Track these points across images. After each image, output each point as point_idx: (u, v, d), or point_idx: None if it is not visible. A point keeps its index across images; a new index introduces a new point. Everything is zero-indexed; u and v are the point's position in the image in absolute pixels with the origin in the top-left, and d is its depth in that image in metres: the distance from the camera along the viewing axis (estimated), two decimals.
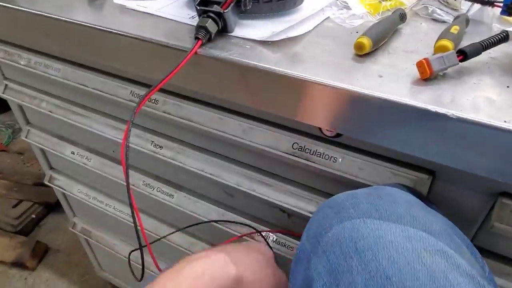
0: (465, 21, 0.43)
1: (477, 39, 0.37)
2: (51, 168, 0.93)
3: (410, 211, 0.31)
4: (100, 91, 0.59)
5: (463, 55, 0.35)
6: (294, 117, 0.40)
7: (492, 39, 0.37)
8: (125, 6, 0.50)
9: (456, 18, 0.44)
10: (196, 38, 0.40)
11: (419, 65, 0.35)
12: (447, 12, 0.46)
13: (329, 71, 0.37)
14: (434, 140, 0.33)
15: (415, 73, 0.36)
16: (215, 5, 0.42)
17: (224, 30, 0.43)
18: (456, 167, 0.33)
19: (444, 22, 0.46)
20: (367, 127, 0.36)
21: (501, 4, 0.44)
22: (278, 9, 0.46)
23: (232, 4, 0.42)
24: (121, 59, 0.49)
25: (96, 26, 0.47)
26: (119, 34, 0.45)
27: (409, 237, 0.29)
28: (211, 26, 0.41)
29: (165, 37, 0.43)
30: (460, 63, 0.35)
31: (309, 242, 0.33)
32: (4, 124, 1.95)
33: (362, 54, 0.39)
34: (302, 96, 0.37)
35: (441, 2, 0.48)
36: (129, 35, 0.45)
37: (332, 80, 0.35)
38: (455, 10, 0.47)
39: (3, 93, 0.77)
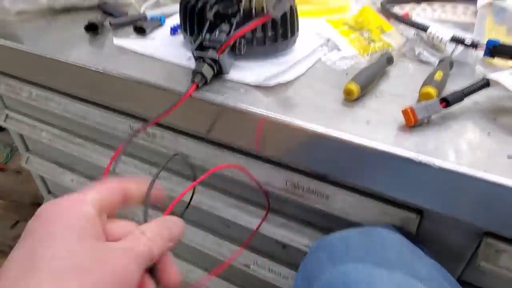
0: (449, 64, 0.45)
1: (461, 81, 0.39)
2: (49, 192, 0.94)
3: (400, 256, 0.33)
4: (100, 124, 0.61)
5: (446, 102, 0.37)
6: (284, 158, 0.41)
7: (473, 87, 0.39)
8: (124, 47, 0.52)
9: (441, 61, 0.46)
10: (192, 81, 0.42)
11: (405, 112, 0.37)
12: (432, 54, 0.49)
13: (320, 116, 0.38)
14: (419, 186, 0.35)
15: (401, 119, 0.37)
16: (211, 49, 0.44)
17: (220, 73, 0.45)
18: (440, 211, 0.35)
19: (429, 63, 0.48)
20: (355, 171, 0.37)
21: (484, 47, 0.46)
22: (272, 52, 0.48)
23: (227, 49, 0.44)
24: (121, 98, 0.51)
25: (96, 69, 0.49)
26: (119, 77, 0.47)
27: (399, 284, 0.30)
28: (207, 71, 0.43)
29: (164, 79, 0.45)
30: (443, 109, 0.37)
31: (303, 283, 0.35)
32: (3, 142, 1.96)
33: (351, 99, 0.41)
34: (293, 139, 0.39)
35: (427, 44, 0.51)
36: (128, 77, 0.47)
37: (322, 127, 0.37)
38: (440, 52, 0.49)
39: (4, 122, 0.78)
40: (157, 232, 0.29)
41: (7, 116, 0.78)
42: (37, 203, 1.54)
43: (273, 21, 0.46)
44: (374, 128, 0.37)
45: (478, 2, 0.61)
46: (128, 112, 0.58)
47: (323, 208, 0.45)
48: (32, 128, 0.75)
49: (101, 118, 0.60)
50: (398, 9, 0.64)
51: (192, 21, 0.48)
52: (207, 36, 0.45)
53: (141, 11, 0.63)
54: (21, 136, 0.82)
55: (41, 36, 0.58)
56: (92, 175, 0.77)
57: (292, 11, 0.47)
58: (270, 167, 0.48)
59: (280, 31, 0.47)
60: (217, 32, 0.45)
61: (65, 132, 0.71)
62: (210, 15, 0.46)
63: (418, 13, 0.62)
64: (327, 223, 0.50)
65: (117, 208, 0.30)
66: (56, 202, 0.27)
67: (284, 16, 0.46)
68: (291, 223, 0.53)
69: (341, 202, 0.45)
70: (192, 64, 0.47)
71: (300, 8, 0.56)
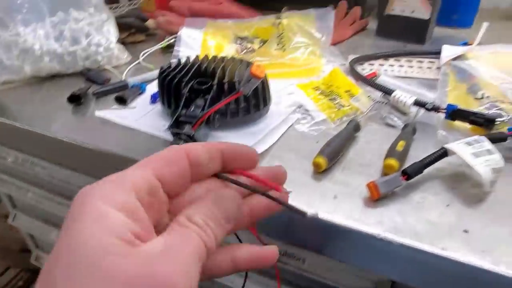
0: (412, 131, 0.47)
1: (424, 144, 0.43)
2: (37, 247, 0.94)
3: None
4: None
5: (407, 175, 0.40)
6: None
7: (432, 157, 0.41)
8: (105, 118, 0.54)
9: (404, 127, 0.48)
10: None
11: (368, 187, 0.39)
12: (398, 118, 0.51)
13: (292, 191, 0.40)
14: (384, 259, 0.36)
15: (366, 192, 0.40)
16: (187, 125, 0.46)
17: None
18: (406, 283, 0.37)
19: (396, 127, 0.51)
20: (325, 244, 0.39)
21: (445, 110, 0.49)
22: (245, 123, 0.51)
23: (202, 124, 0.47)
24: (102, 169, 0.53)
25: (77, 143, 0.51)
26: (99, 151, 0.49)
27: None
28: None
29: (141, 153, 0.47)
30: (405, 181, 0.40)
31: None
32: None
33: (320, 171, 0.43)
34: None
35: (392, 107, 0.54)
36: (108, 152, 0.49)
37: (293, 202, 0.39)
38: (405, 115, 0.52)
39: None
40: (209, 214, 0.22)
41: None
42: (26, 249, 1.52)
43: (245, 95, 0.49)
44: (340, 203, 0.39)
45: (440, 59, 0.65)
46: None
47: (301, 272, 0.47)
48: (19, 188, 0.77)
49: (85, 183, 0.62)
50: (367, 66, 0.68)
51: (169, 95, 0.51)
52: (183, 111, 0.48)
53: (123, 78, 0.66)
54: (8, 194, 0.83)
55: (26, 106, 0.60)
56: None
57: (264, 85, 0.50)
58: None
59: (252, 103, 0.50)
60: (192, 107, 0.48)
61: (51, 193, 0.72)
62: (185, 90, 0.49)
63: (386, 69, 0.66)
64: (305, 284, 0.51)
65: (182, 182, 0.24)
66: (81, 213, 0.20)
67: (255, 90, 0.49)
68: (271, 281, 0.54)
69: (317, 265, 0.46)
70: (169, 135, 0.50)
71: (272, 72, 0.59)
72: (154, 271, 0.18)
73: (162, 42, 0.76)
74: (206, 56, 0.55)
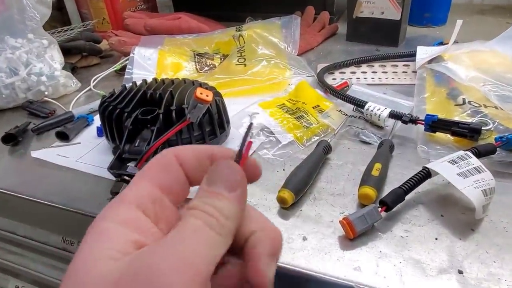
0: (389, 149, 0.42)
1: (403, 164, 0.38)
2: None
3: None
4: (31, 239, 0.55)
5: (386, 206, 0.34)
6: None
7: (413, 180, 0.35)
8: (43, 159, 0.48)
9: (380, 144, 0.43)
10: None
11: (342, 225, 0.33)
12: (373, 133, 0.46)
13: None
14: None
15: (340, 228, 0.34)
16: (131, 164, 0.40)
17: None
18: None
19: (370, 144, 0.45)
20: None
21: (423, 122, 0.44)
22: None
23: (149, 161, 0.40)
24: (44, 220, 0.46)
25: (9, 192, 0.44)
26: (36, 201, 0.42)
27: None
28: None
29: (83, 201, 0.41)
30: (385, 213, 0.34)
31: None
32: None
33: (286, 207, 0.37)
34: None
35: (366, 121, 0.48)
36: (44, 201, 0.42)
37: None
38: (381, 128, 0.47)
39: None
40: (224, 206, 0.18)
41: None
42: None
43: (199, 122, 0.43)
44: (310, 246, 0.33)
45: (416, 62, 0.60)
46: (59, 228, 0.52)
47: None
48: None
49: (32, 232, 0.55)
50: (338, 75, 0.62)
51: (111, 129, 0.44)
52: (126, 146, 0.41)
53: (71, 108, 0.59)
54: None
55: None
56: (40, 281, 0.70)
57: (219, 108, 0.44)
58: None
59: (207, 130, 0.44)
60: (137, 141, 0.42)
61: (0, 241, 0.65)
62: (128, 123, 0.42)
63: (359, 77, 0.61)
64: None
65: (181, 186, 0.21)
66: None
67: (209, 115, 0.43)
68: None
69: None
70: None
71: (233, 90, 0.53)
72: (141, 267, 0.16)
73: (115, 65, 0.70)
74: (155, 80, 0.48)
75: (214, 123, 0.44)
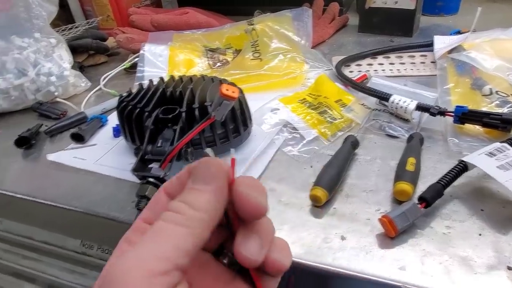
0: (419, 141, 0.41)
1: (434, 158, 0.37)
2: None
3: None
4: (49, 244, 0.54)
5: (425, 202, 0.33)
6: None
7: (451, 175, 0.34)
8: (59, 162, 0.46)
9: (410, 138, 0.42)
10: (138, 209, 0.36)
11: (383, 223, 0.32)
12: (399, 127, 0.45)
13: (289, 234, 0.33)
14: None
15: (379, 227, 0.32)
16: (154, 165, 0.39)
17: None
18: None
19: (397, 137, 0.44)
20: None
21: (453, 114, 0.43)
22: (225, 151, 0.43)
23: (173, 160, 0.39)
24: (62, 224, 0.45)
25: (27, 198, 0.42)
26: (54, 206, 0.41)
27: None
28: (152, 192, 0.37)
29: (104, 205, 0.39)
30: (424, 209, 0.33)
31: None
32: None
33: (320, 205, 0.36)
34: None
35: (391, 114, 0.47)
36: (64, 206, 0.40)
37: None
38: (406, 121, 0.46)
39: None
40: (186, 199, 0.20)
41: None
42: None
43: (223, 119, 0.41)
44: (350, 245, 0.32)
45: (434, 52, 0.58)
46: (73, 232, 0.51)
47: None
48: None
49: (49, 236, 0.53)
50: (354, 67, 0.61)
51: (131, 129, 0.43)
52: (149, 147, 0.40)
53: (82, 109, 0.58)
54: None
55: None
56: (54, 285, 0.69)
57: (242, 105, 0.43)
58: None
59: (230, 128, 0.42)
60: (159, 142, 0.40)
61: (14, 246, 0.63)
62: (149, 122, 0.41)
63: (376, 69, 0.59)
64: None
65: None
66: None
67: (232, 112, 0.42)
68: None
69: None
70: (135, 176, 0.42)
71: (250, 86, 0.52)
72: (108, 271, 0.17)
73: (125, 63, 0.68)
74: (172, 78, 0.47)
75: (238, 120, 0.43)
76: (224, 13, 0.87)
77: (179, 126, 0.40)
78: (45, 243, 0.54)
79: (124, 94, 0.46)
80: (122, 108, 0.43)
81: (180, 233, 0.18)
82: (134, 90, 0.46)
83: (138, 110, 0.42)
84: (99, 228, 0.42)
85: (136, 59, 0.68)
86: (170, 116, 0.41)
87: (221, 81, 0.45)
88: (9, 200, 0.45)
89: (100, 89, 0.64)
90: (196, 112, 0.40)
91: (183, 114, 0.40)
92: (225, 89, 0.36)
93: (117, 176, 0.43)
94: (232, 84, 0.46)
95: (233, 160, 0.22)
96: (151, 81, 0.47)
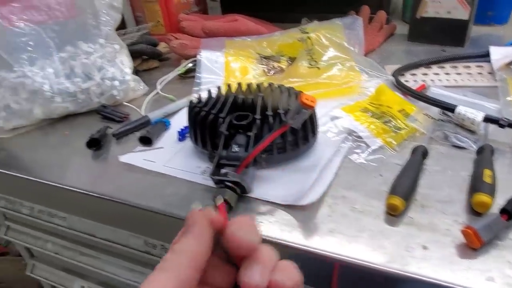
0: (491, 154, 0.41)
1: (507, 170, 0.37)
2: None
3: None
4: (111, 242, 0.56)
5: (508, 214, 0.33)
6: None
7: None
8: (130, 164, 0.48)
9: (480, 149, 0.42)
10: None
11: (466, 234, 0.32)
12: (466, 138, 0.45)
13: (369, 243, 0.34)
14: None
15: (460, 237, 0.33)
16: (230, 170, 0.40)
17: (243, 193, 0.41)
18: None
19: (465, 148, 0.44)
20: None
21: None
22: (293, 158, 0.44)
23: (250, 165, 0.40)
24: (132, 222, 0.47)
25: (102, 196, 0.44)
26: (128, 204, 0.43)
27: None
28: (232, 197, 0.38)
29: (179, 207, 0.41)
30: (506, 222, 0.33)
31: None
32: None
33: (396, 214, 0.36)
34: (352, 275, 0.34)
35: (456, 124, 0.47)
36: (138, 205, 0.42)
37: (375, 257, 0.32)
38: (471, 131, 0.46)
39: (5, 235, 0.73)
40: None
41: (8, 227, 0.73)
42: None
43: (292, 127, 0.42)
44: (434, 255, 0.32)
45: (492, 63, 0.58)
46: (141, 230, 0.53)
47: None
48: (37, 239, 0.70)
49: (112, 235, 0.56)
50: (409, 76, 0.61)
51: (204, 134, 0.45)
52: (223, 152, 0.42)
53: (143, 112, 0.60)
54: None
55: (39, 154, 0.54)
56: (106, 282, 0.71)
57: (311, 113, 0.44)
58: None
59: (300, 135, 0.43)
60: (233, 147, 0.42)
61: (74, 243, 0.66)
62: (223, 128, 0.42)
63: (433, 79, 0.60)
64: None
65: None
66: None
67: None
68: None
69: None
70: (206, 179, 0.43)
71: (309, 93, 0.53)
72: None
73: (179, 68, 0.70)
74: (240, 86, 0.48)
75: (307, 128, 0.44)
76: (269, 20, 0.88)
77: (253, 132, 0.42)
78: (107, 240, 0.56)
79: (195, 100, 0.47)
80: (196, 114, 0.45)
81: (161, 278, 0.21)
82: (204, 97, 0.48)
83: (212, 116, 0.43)
84: (164, 228, 0.44)
85: (190, 64, 0.70)
86: (244, 122, 0.42)
87: (291, 89, 0.46)
88: (80, 198, 0.47)
89: (157, 93, 0.66)
90: (271, 119, 0.41)
91: (258, 121, 0.42)
92: (305, 98, 0.37)
93: (187, 178, 0.45)
94: (300, 92, 0.47)
95: (222, 206, 0.26)
96: (219, 88, 0.49)
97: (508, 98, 0.51)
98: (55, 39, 0.59)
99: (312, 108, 0.38)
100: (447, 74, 0.61)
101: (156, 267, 0.22)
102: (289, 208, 0.39)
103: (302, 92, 0.44)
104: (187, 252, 0.22)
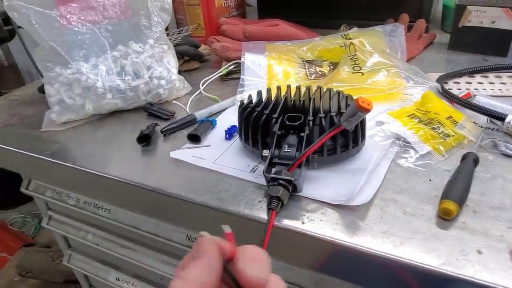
0: None
1: None
2: (91, 286, 0.90)
3: None
4: (154, 235, 0.58)
5: None
6: None
7: None
8: (180, 159, 0.50)
9: None
10: (270, 209, 0.39)
11: None
12: None
13: (424, 246, 0.34)
14: None
15: None
16: (283, 169, 0.41)
17: (293, 191, 0.42)
18: None
19: None
20: None
21: None
22: (342, 159, 0.45)
23: (303, 165, 0.41)
24: (180, 217, 0.48)
25: (151, 188, 0.46)
26: (178, 198, 0.44)
27: None
28: (284, 194, 0.39)
29: (231, 203, 0.42)
30: None
31: None
32: (30, 214, 1.93)
33: (449, 219, 0.37)
34: (397, 273, 0.35)
35: (506, 133, 0.47)
36: (188, 199, 0.44)
37: (430, 259, 0.33)
38: None
39: (47, 224, 0.76)
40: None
41: (50, 217, 0.76)
42: (70, 280, 1.50)
43: (344, 129, 0.43)
44: (489, 259, 0.33)
45: None
46: (187, 225, 0.55)
47: None
48: (78, 230, 0.73)
49: (155, 228, 0.58)
50: (452, 84, 0.61)
51: (255, 133, 0.46)
52: (276, 152, 0.43)
53: (188, 111, 0.62)
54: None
55: (92, 147, 0.56)
56: (140, 274, 0.73)
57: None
58: None
59: (351, 138, 0.44)
60: (285, 147, 0.43)
61: (113, 234, 0.68)
62: (276, 128, 0.44)
63: (477, 88, 0.60)
64: None
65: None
66: None
67: None
68: None
69: None
70: (256, 177, 0.45)
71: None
72: None
73: (221, 69, 0.72)
74: (289, 88, 0.50)
75: (358, 131, 0.45)
76: (305, 25, 0.90)
77: (306, 133, 0.43)
78: (151, 233, 0.58)
79: (246, 101, 0.49)
80: (248, 114, 0.46)
81: None
82: (254, 98, 0.49)
83: (265, 116, 0.45)
84: (211, 223, 0.45)
85: (232, 66, 0.72)
86: (297, 123, 0.43)
87: (339, 93, 0.47)
88: (131, 190, 0.49)
89: (199, 93, 0.68)
90: (323, 121, 0.43)
91: (310, 122, 0.43)
92: (362, 101, 0.38)
93: (238, 176, 0.46)
94: (349, 95, 0.48)
95: (230, 235, 0.25)
96: (268, 89, 0.50)
97: None
98: (109, 38, 0.61)
99: (368, 111, 0.38)
100: (491, 83, 0.61)
101: None
102: (339, 208, 0.40)
103: (344, 95, 0.46)
104: (197, 282, 0.22)
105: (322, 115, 0.43)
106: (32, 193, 0.71)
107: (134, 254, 0.66)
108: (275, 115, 0.44)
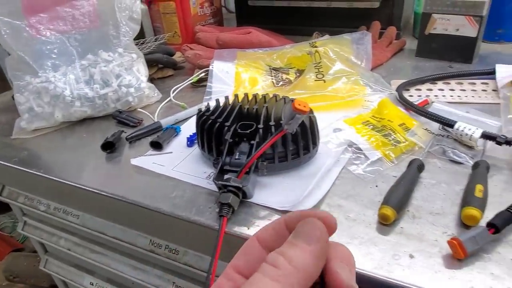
0: (486, 170, 0.42)
1: (500, 186, 0.38)
2: None
3: None
4: (120, 240, 0.59)
5: (494, 228, 0.34)
6: None
7: None
8: (141, 166, 0.51)
9: (476, 165, 0.43)
10: (221, 216, 0.40)
11: (451, 245, 0.34)
12: (463, 154, 0.46)
13: (359, 250, 0.36)
14: None
15: (446, 248, 0.34)
16: (232, 176, 0.42)
17: (244, 198, 0.43)
18: None
19: (461, 164, 0.45)
20: None
21: None
22: (295, 166, 0.46)
23: (251, 171, 0.42)
24: (140, 222, 0.49)
25: (113, 196, 0.47)
26: (136, 204, 0.45)
27: None
28: (234, 201, 0.40)
29: (184, 209, 0.43)
30: (492, 235, 0.34)
31: None
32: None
33: (387, 224, 0.38)
34: None
35: (455, 140, 0.48)
36: (146, 206, 0.45)
37: (363, 264, 0.34)
38: (471, 148, 0.47)
39: (22, 229, 0.77)
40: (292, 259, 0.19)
41: (25, 223, 0.77)
42: (55, 285, 1.50)
43: (294, 136, 0.45)
44: (420, 266, 0.34)
45: (497, 81, 0.59)
46: (147, 230, 0.56)
47: None
48: (51, 235, 0.74)
49: (122, 233, 0.59)
50: (414, 91, 0.63)
51: (210, 141, 0.47)
52: (227, 159, 0.44)
53: (155, 118, 0.63)
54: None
55: (58, 154, 0.58)
56: (113, 279, 0.74)
57: (312, 123, 0.46)
58: None
59: (301, 144, 0.45)
60: (237, 154, 0.44)
61: (85, 240, 0.69)
62: (228, 136, 0.45)
63: (437, 95, 0.61)
64: None
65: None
66: None
67: (304, 130, 0.45)
68: None
69: None
70: (211, 184, 0.46)
71: (313, 106, 0.55)
72: None
73: (192, 77, 0.73)
74: (246, 96, 0.51)
75: (308, 137, 0.46)
76: (283, 32, 0.91)
77: (256, 141, 0.44)
78: (116, 238, 0.59)
79: (203, 109, 0.50)
80: (203, 122, 0.47)
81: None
82: (212, 106, 0.51)
83: (218, 124, 0.46)
84: (168, 228, 0.46)
85: (202, 74, 0.74)
86: (248, 131, 0.45)
87: (293, 101, 0.48)
88: (93, 197, 0.50)
89: (169, 100, 0.69)
90: (273, 129, 0.44)
91: (260, 130, 0.44)
92: (298, 104, 0.39)
93: (194, 182, 0.47)
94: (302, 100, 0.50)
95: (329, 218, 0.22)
96: (226, 97, 0.51)
97: (510, 116, 0.51)
98: (78, 47, 0.63)
99: (304, 112, 0.39)
100: (451, 90, 0.62)
101: (263, 271, 0.19)
102: (285, 213, 0.41)
103: (295, 99, 0.47)
104: (306, 270, 0.19)
105: (272, 123, 0.44)
106: (6, 199, 0.73)
107: (104, 259, 0.67)
108: (228, 123, 0.46)
